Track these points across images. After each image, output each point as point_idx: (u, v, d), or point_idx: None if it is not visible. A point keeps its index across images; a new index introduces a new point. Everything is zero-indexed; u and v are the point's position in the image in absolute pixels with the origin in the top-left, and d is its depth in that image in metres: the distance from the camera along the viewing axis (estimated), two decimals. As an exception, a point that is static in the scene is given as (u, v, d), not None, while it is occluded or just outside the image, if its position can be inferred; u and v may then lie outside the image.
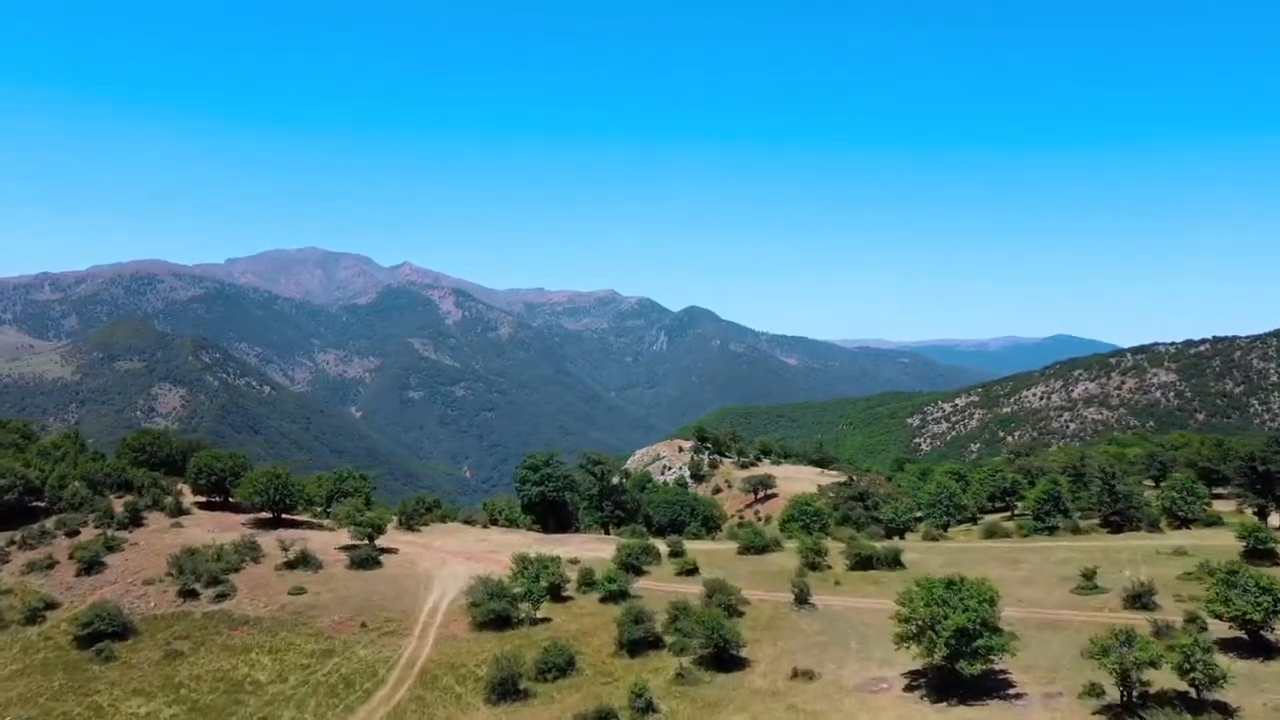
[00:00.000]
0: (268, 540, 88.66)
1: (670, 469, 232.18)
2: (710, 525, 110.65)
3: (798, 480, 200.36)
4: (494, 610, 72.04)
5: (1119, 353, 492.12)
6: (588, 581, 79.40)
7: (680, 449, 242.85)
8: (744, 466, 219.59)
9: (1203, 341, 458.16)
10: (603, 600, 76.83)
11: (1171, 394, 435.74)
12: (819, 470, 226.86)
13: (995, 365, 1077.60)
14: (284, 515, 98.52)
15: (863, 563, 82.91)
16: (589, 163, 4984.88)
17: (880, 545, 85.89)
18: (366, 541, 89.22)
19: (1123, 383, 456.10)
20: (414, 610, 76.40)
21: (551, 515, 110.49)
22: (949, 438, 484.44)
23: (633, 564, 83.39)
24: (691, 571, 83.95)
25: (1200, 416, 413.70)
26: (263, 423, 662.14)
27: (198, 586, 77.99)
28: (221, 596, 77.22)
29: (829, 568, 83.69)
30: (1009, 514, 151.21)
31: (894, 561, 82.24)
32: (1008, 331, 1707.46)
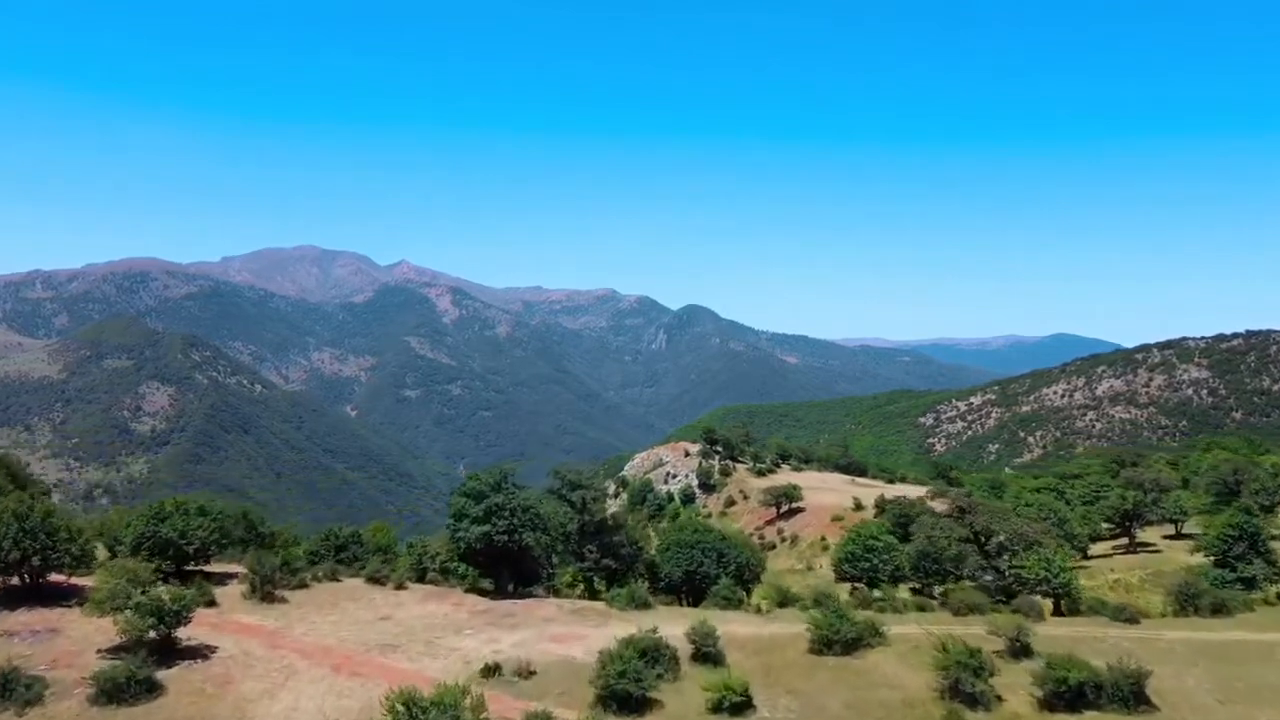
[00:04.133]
0: (-16, 637, 49.06)
1: (675, 476, 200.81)
2: (746, 578, 71.40)
3: (825, 490, 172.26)
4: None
5: (1145, 348, 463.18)
6: (537, 742, 40.04)
7: (686, 453, 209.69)
8: (761, 474, 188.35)
9: (1235, 336, 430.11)
10: (565, 795, 37.79)
11: (1205, 391, 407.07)
12: (849, 478, 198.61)
13: (997, 364, 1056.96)
14: (45, 581, 58.83)
15: (1070, 697, 43.33)
16: (588, 160, 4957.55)
17: (1104, 666, 44.50)
18: (153, 637, 49.45)
19: (1150, 379, 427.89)
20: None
21: (507, 564, 70.77)
22: (965, 438, 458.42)
23: (627, 693, 44.16)
24: (740, 707, 44.51)
25: (1237, 415, 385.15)
26: (253, 422, 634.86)
27: None
28: None
29: (999, 700, 44.34)
30: (1127, 545, 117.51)
31: (1132, 695, 42.64)
32: (1008, 330, 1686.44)
